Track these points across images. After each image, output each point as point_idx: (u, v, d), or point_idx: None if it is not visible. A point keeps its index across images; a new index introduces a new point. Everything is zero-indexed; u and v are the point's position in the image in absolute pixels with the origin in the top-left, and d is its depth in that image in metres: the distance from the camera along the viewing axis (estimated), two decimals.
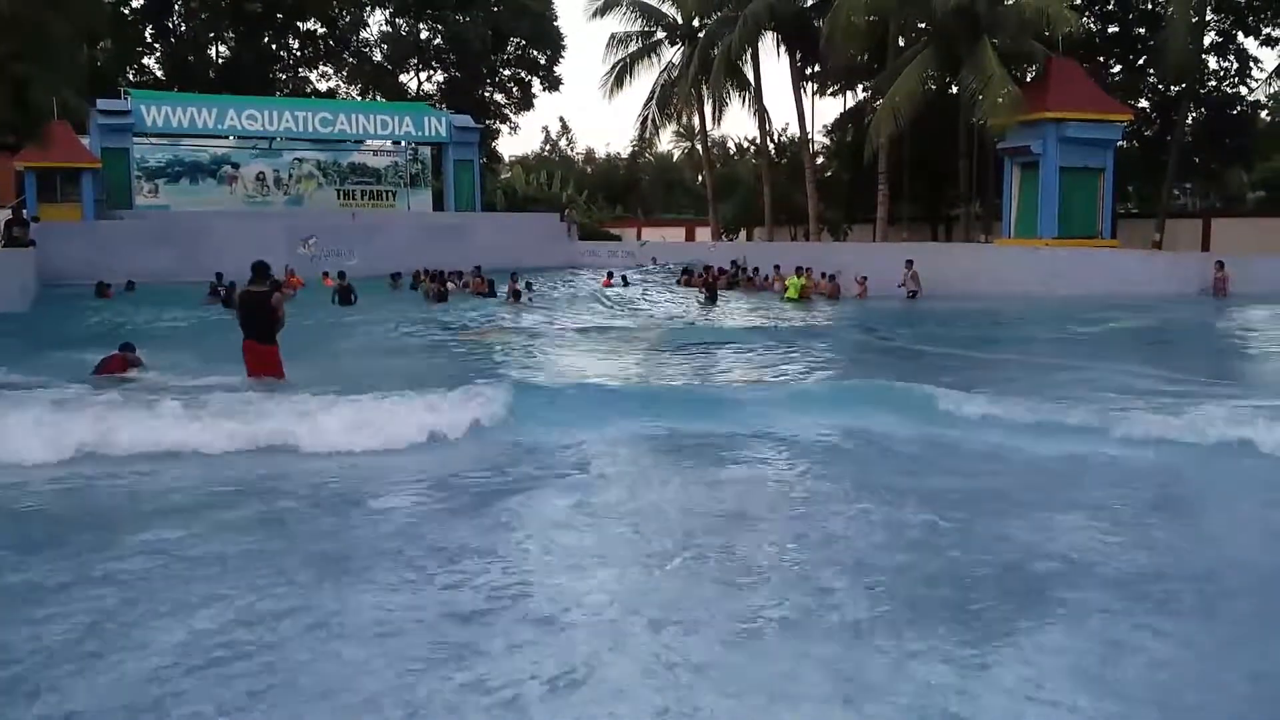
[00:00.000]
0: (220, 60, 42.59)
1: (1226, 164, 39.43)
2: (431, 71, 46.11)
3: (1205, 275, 23.91)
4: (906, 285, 25.02)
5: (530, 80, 46.04)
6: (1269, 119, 42.56)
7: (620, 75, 40.39)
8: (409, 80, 45.84)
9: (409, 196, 36.12)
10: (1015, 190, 28.42)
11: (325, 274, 26.35)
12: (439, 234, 32.05)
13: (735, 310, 22.52)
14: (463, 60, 44.05)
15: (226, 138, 33.71)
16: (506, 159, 53.90)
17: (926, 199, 39.06)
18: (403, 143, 35.95)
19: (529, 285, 25.18)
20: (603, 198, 54.95)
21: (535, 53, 45.34)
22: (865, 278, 26.17)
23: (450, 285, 24.97)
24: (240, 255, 15.08)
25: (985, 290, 24.21)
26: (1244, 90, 36.70)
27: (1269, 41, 35.11)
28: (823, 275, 26.53)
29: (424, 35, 44.98)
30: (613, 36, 40.56)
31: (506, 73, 46.17)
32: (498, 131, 46.70)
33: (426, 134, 35.09)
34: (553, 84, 45.85)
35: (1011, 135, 27.44)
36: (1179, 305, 21.33)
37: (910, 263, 25.45)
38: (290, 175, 34.74)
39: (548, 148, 65.40)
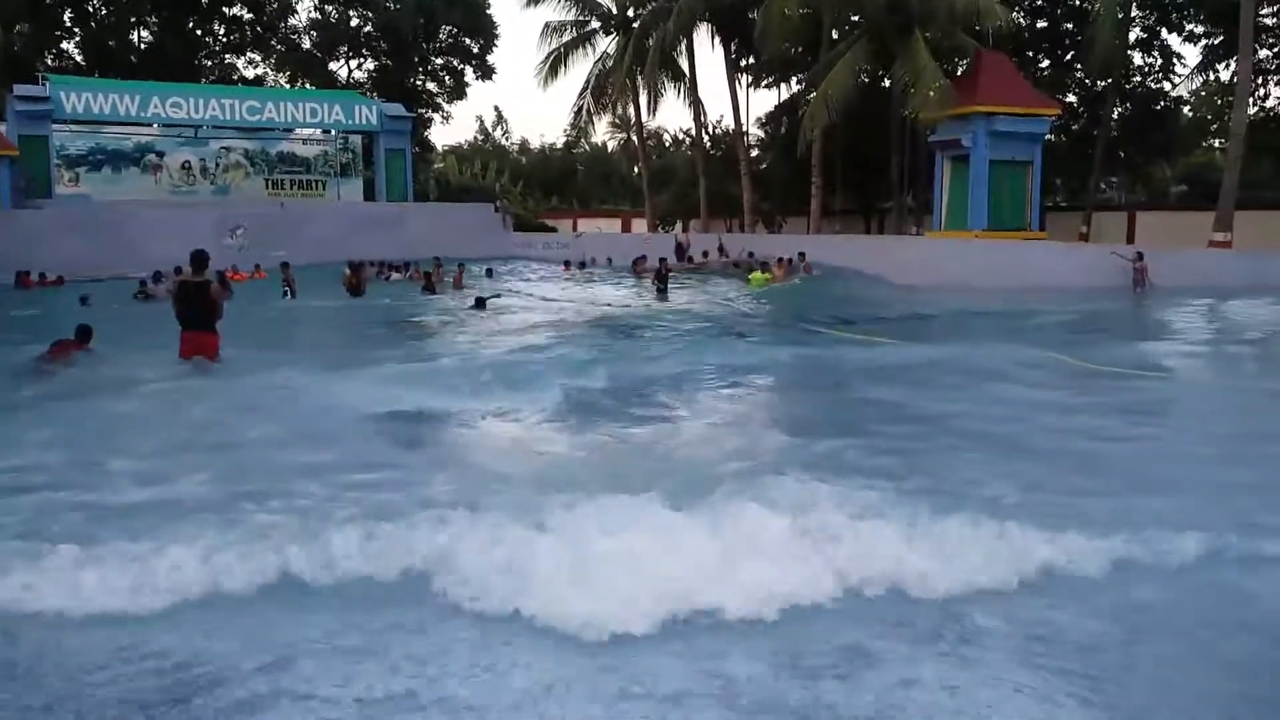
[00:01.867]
0: (143, 46, 41.37)
1: (1150, 158, 40.36)
2: (362, 59, 45.36)
3: (1127, 266, 24.33)
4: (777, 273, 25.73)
5: (463, 69, 45.46)
6: (1191, 114, 43.71)
7: (555, 65, 40.13)
8: (339, 68, 45.05)
9: (339, 186, 35.48)
10: (946, 183, 28.73)
11: (257, 266, 25.82)
12: (370, 224, 31.53)
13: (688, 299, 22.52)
14: (394, 48, 43.35)
15: (150, 125, 32.80)
16: (439, 148, 53.23)
17: (859, 191, 39.42)
18: (333, 131, 35.28)
19: (489, 272, 25.55)
20: (538, 188, 54.60)
21: (468, 41, 44.77)
22: (803, 254, 26.79)
23: (396, 275, 25.15)
24: (165, 246, 14.70)
25: (916, 281, 24.45)
26: (1167, 86, 37.63)
27: (1191, 38, 35.98)
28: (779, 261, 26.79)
29: (354, 22, 44.19)
30: (547, 25, 40.35)
31: (439, 61, 45.51)
32: (430, 120, 46.07)
33: (357, 122, 34.50)
34: (486, 73, 45.35)
35: (942, 128, 27.71)
36: (1089, 296, 21.56)
37: (803, 254, 26.37)
38: (217, 164, 33.91)
39: (482, 137, 64.78)
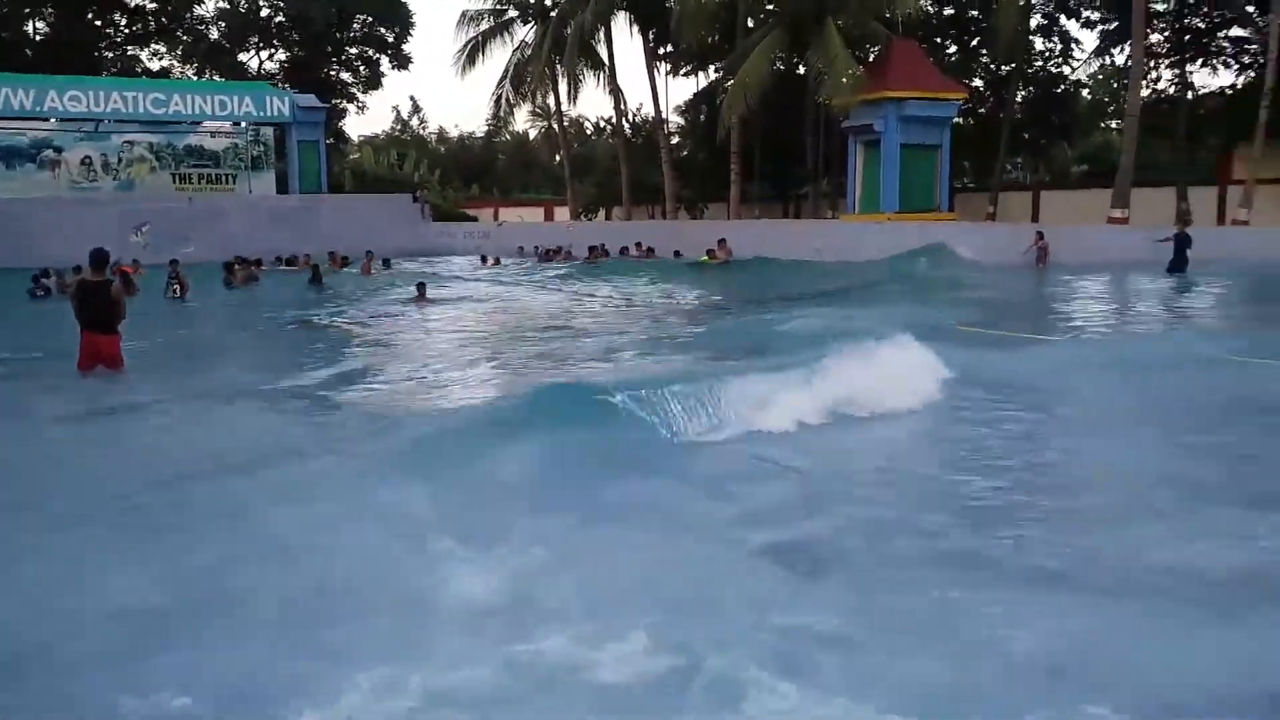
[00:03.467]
0: (39, 38, 40.01)
1: (1053, 140, 41.67)
2: (273, 50, 44.44)
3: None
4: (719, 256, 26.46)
5: (378, 58, 44.85)
6: (1089, 97, 45.19)
7: (473, 54, 39.89)
8: (249, 59, 44.07)
9: (250, 179, 34.79)
10: (859, 167, 29.36)
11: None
12: (283, 218, 31.09)
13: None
14: (306, 38, 42.59)
15: (47, 120, 31.76)
16: (355, 139, 52.52)
17: (778, 177, 39.95)
18: (243, 124, 34.58)
19: (385, 263, 25.34)
20: (458, 178, 54.17)
21: (383, 30, 44.17)
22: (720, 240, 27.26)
23: (284, 268, 25.26)
24: (67, 244, 14.34)
25: (832, 260, 25.09)
26: (1067, 70, 38.87)
27: (1088, 24, 37.20)
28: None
29: (264, 12, 43.28)
30: (464, 14, 40.06)
31: (353, 51, 44.84)
32: (344, 111, 45.41)
33: (268, 114, 33.87)
34: (402, 62, 44.80)
35: (855, 114, 28.29)
36: (995, 270, 22.48)
37: (723, 241, 26.78)
38: (120, 159, 32.97)
39: (398, 127, 64.01)
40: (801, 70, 33.19)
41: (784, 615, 4.23)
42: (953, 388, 8.82)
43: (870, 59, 31.62)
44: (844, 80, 27.57)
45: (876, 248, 25.14)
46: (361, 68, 45.02)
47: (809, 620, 4.18)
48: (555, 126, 45.87)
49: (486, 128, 51.97)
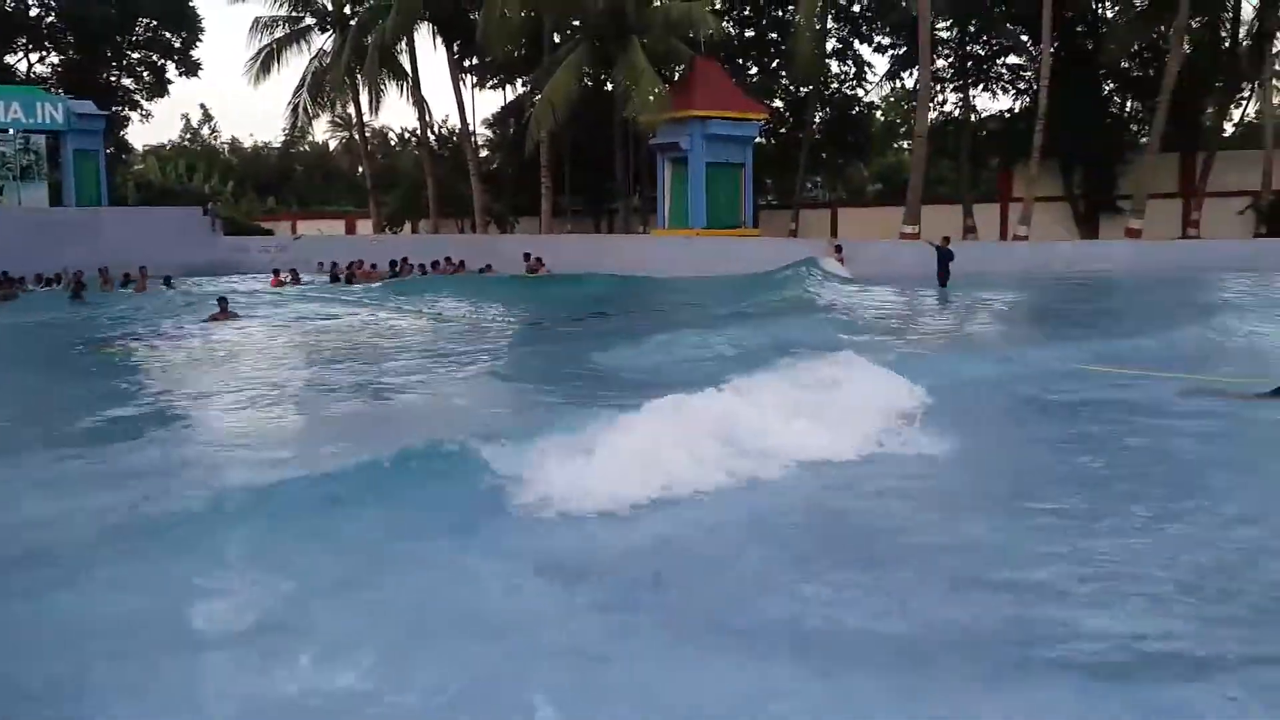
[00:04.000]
0: None
1: (849, 159, 43.66)
2: (45, 52, 41.15)
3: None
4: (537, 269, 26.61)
5: (164, 64, 42.23)
6: (882, 118, 47.58)
7: (267, 61, 38.15)
8: (17, 61, 40.64)
9: (19, 191, 32.01)
10: (668, 184, 29.76)
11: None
12: (59, 232, 28.79)
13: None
14: (82, 40, 39.64)
15: None
16: (139, 149, 49.35)
17: (589, 191, 40.06)
18: (10, 131, 31.81)
19: (167, 281, 23.77)
20: (252, 189, 51.73)
21: (169, 35, 41.67)
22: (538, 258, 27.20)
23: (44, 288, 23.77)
24: None
25: (646, 274, 25.30)
26: (861, 93, 40.76)
27: (880, 49, 39.23)
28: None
29: (34, 11, 40.03)
30: (257, 20, 38.28)
31: (135, 55, 42.06)
32: (128, 119, 42.57)
33: (40, 121, 31.36)
34: (190, 68, 42.36)
35: (662, 132, 28.65)
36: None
37: (528, 255, 26.96)
38: None
39: (188, 137, 60.61)
40: (609, 86, 33.39)
41: None
42: None
43: (675, 78, 32.15)
44: (649, 98, 27.88)
45: (741, 262, 25.57)
46: (145, 73, 42.29)
47: None
48: (357, 137, 44.48)
49: (283, 138, 49.82)
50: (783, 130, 40.02)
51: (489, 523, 5.79)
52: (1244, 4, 33.11)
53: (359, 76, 37.08)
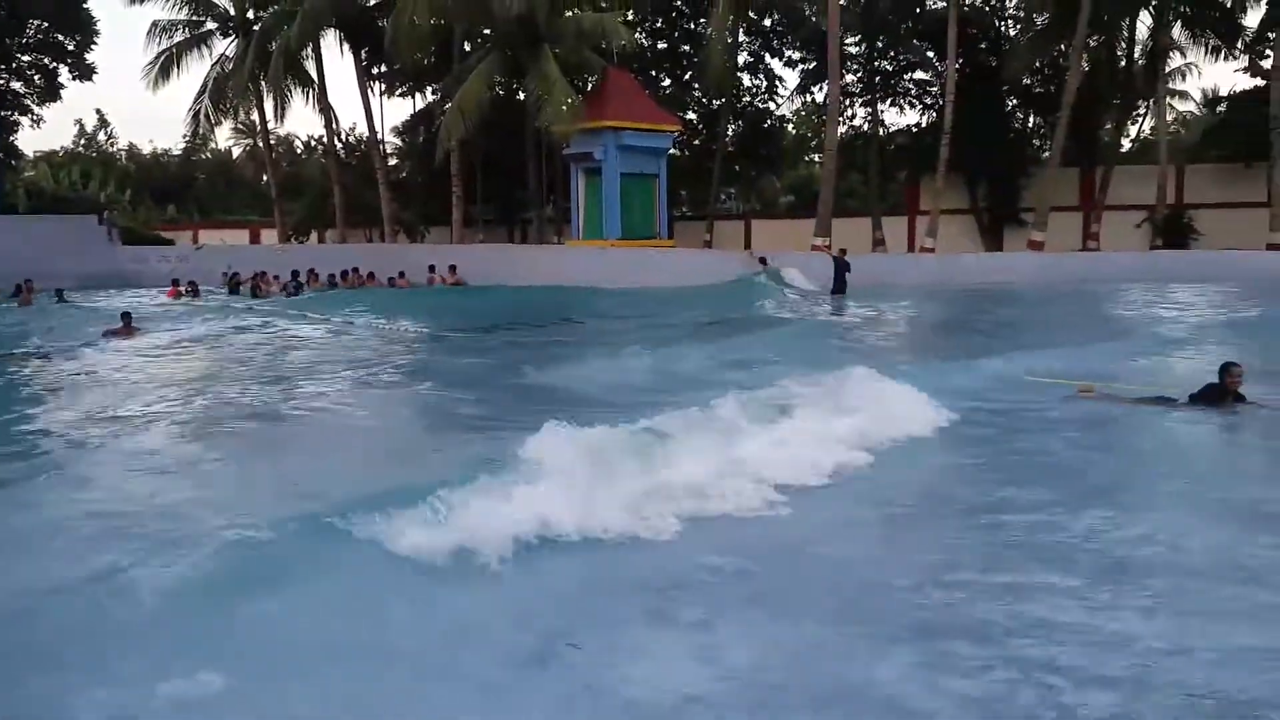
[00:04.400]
0: None
1: (762, 171, 44.02)
2: None
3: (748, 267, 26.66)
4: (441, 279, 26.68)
5: (56, 67, 40.53)
6: (794, 132, 48.12)
7: (166, 66, 36.90)
8: None
9: None
10: (582, 194, 29.56)
11: None
12: None
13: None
14: None
15: None
16: (30, 155, 47.23)
17: (501, 201, 39.65)
18: None
19: (59, 294, 22.71)
20: (151, 198, 50.01)
21: (61, 37, 39.99)
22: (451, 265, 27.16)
23: None
24: None
25: (555, 285, 25.07)
26: (773, 106, 41.12)
27: (791, 63, 39.62)
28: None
29: None
30: (155, 24, 37.01)
31: (26, 58, 40.27)
32: (17, 124, 40.69)
33: None
34: (84, 72, 40.67)
35: (575, 142, 28.44)
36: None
37: (433, 266, 27.01)
38: None
39: (83, 142, 58.34)
40: (521, 95, 33.07)
41: None
42: None
43: (588, 88, 31.99)
44: (563, 108, 27.65)
45: (663, 274, 25.68)
46: (36, 77, 40.51)
47: None
48: (261, 145, 43.31)
49: (184, 145, 48.28)
50: (696, 142, 40.15)
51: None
52: (1139, 24, 34.32)
53: (263, 83, 36.10)
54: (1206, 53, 34.37)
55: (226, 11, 37.44)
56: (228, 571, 4.90)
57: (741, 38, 38.01)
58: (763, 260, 26.11)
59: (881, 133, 38.88)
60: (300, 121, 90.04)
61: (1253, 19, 32.87)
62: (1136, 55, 35.09)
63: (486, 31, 33.05)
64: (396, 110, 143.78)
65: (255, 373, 13.15)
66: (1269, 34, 31.93)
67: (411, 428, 10.14)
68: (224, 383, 12.33)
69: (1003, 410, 9.87)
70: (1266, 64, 32.49)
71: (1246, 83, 35.33)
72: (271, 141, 42.23)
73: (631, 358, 13.24)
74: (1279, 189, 29.86)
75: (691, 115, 39.63)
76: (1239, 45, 33.99)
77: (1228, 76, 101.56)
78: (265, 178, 46.83)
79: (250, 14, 37.07)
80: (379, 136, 37.42)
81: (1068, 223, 34.30)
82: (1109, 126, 36.93)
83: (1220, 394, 9.28)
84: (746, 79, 39.87)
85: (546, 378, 12.08)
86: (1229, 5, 32.94)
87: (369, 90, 36.82)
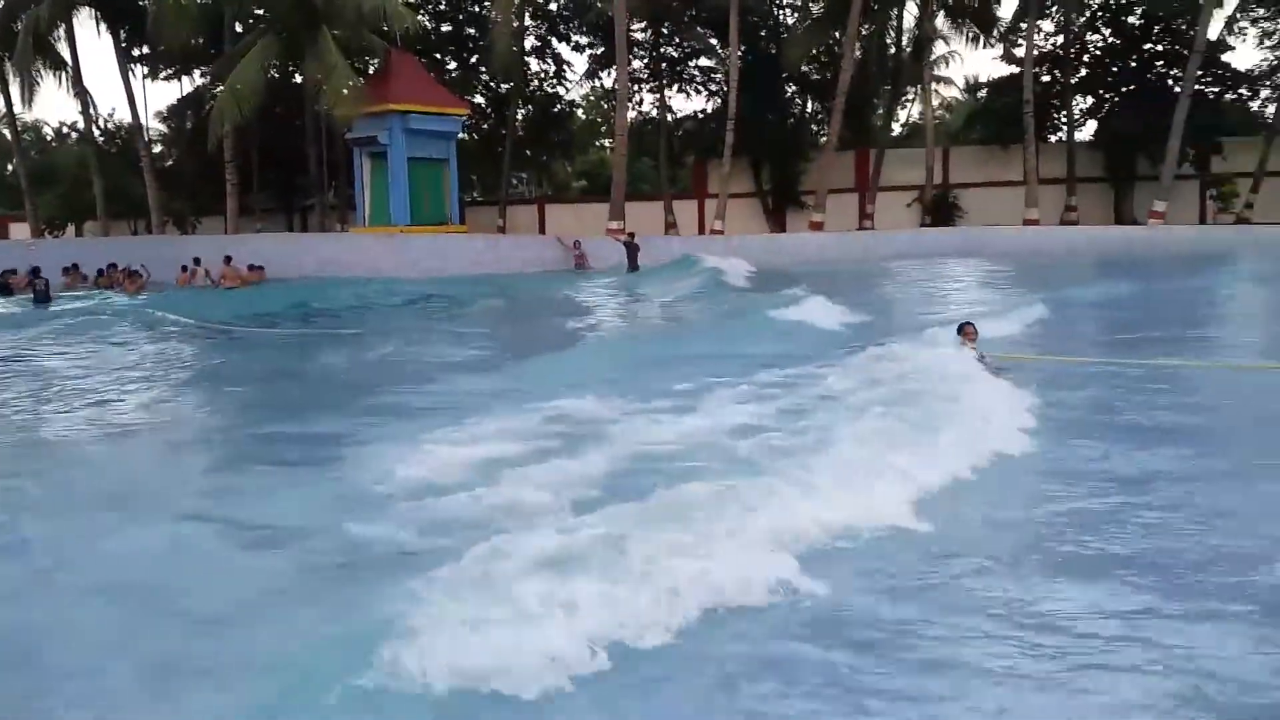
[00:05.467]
0: None
1: (553, 156, 43.89)
2: None
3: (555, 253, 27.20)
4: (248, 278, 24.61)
5: None
6: (584, 117, 48.25)
7: None
8: None
9: None
10: (367, 179, 28.57)
11: None
12: None
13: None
14: None
15: None
16: None
17: (280, 189, 37.90)
18: None
19: None
20: None
21: None
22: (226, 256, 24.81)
23: None
24: None
25: (344, 275, 24.13)
26: (562, 91, 41.02)
27: (578, 48, 39.60)
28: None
29: None
30: None
31: None
32: None
33: None
34: None
35: (359, 126, 27.45)
36: (541, 278, 23.84)
37: (197, 260, 24.65)
38: None
39: None
40: (299, 79, 31.60)
41: None
42: None
43: (370, 71, 30.92)
44: (344, 91, 26.57)
45: (462, 262, 25.45)
46: None
47: None
48: (7, 132, 39.64)
49: None
50: (485, 126, 39.60)
51: None
52: (906, 14, 36.29)
53: (8, 65, 33.01)
54: (967, 41, 36.84)
55: None
56: None
57: (528, 21, 37.70)
58: (576, 244, 26.79)
59: (669, 118, 39.49)
60: (52, 107, 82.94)
61: (1007, 10, 35.48)
62: (904, 43, 37.11)
63: (259, 12, 31.38)
64: (162, 94, 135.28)
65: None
66: (1020, 24, 34.48)
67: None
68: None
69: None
70: (1019, 52, 35.06)
71: (1003, 70, 38.09)
72: (19, 128, 38.65)
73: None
74: (1032, 169, 32.29)
75: (480, 99, 39.05)
76: (995, 34, 36.54)
77: (987, 64, 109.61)
78: (11, 167, 42.95)
79: None
80: (142, 122, 34.90)
81: (845, 204, 35.96)
82: (881, 111, 38.90)
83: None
84: (534, 63, 39.61)
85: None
86: None
87: (130, 73, 34.25)
